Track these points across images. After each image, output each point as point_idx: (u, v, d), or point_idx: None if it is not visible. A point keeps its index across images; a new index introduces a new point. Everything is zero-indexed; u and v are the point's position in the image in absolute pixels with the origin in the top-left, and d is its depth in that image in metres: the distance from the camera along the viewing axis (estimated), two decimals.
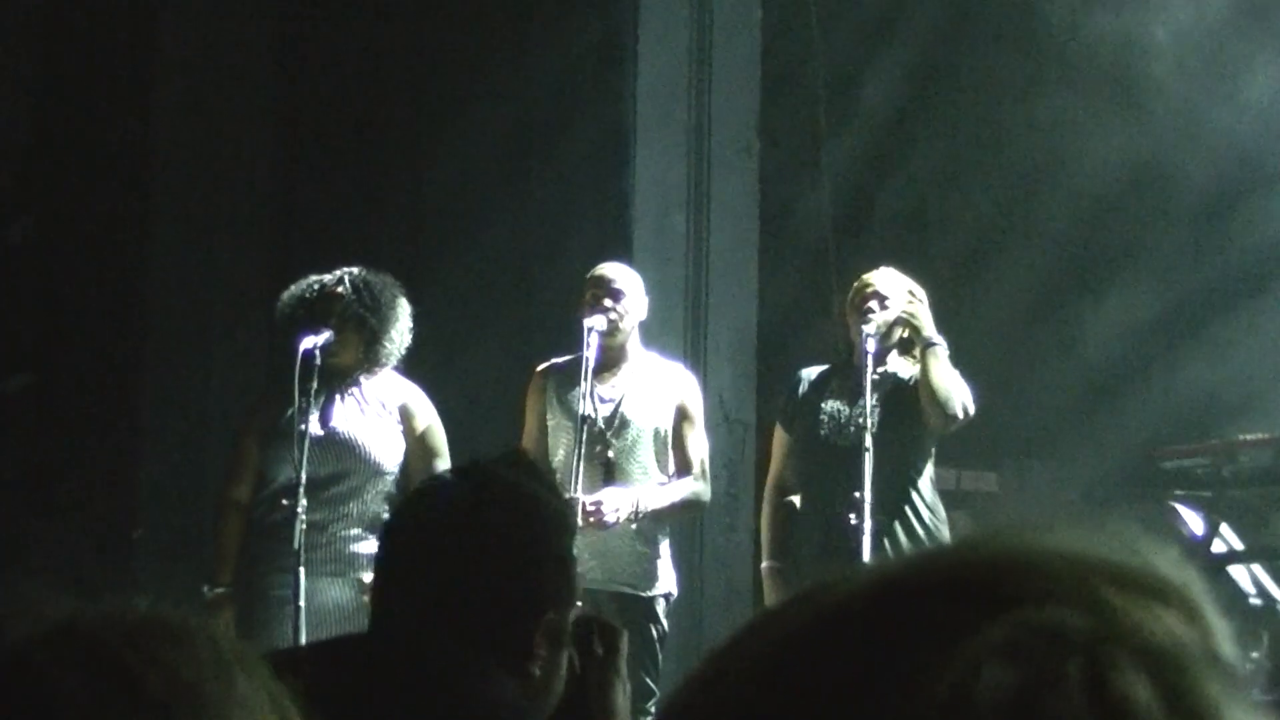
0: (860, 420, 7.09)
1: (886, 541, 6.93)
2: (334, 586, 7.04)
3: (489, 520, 2.87)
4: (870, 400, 7.13)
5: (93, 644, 1.34)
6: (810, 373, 7.57)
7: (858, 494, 6.90)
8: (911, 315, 7.19)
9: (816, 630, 0.85)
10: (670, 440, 7.24)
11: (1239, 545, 8.00)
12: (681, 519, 7.50)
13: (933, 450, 7.24)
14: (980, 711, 0.79)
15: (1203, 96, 8.53)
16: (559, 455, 7.11)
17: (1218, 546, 7.92)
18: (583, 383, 7.02)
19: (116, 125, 8.79)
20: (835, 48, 9.07)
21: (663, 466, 7.23)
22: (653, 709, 6.62)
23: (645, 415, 7.18)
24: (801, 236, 9.20)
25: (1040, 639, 0.80)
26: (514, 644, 2.78)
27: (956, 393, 7.01)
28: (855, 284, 7.43)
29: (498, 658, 2.76)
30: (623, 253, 8.12)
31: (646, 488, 7.06)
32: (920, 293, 7.34)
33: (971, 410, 7.03)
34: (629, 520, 7.01)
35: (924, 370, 7.05)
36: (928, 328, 7.15)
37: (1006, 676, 0.79)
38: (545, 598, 2.79)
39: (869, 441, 7.02)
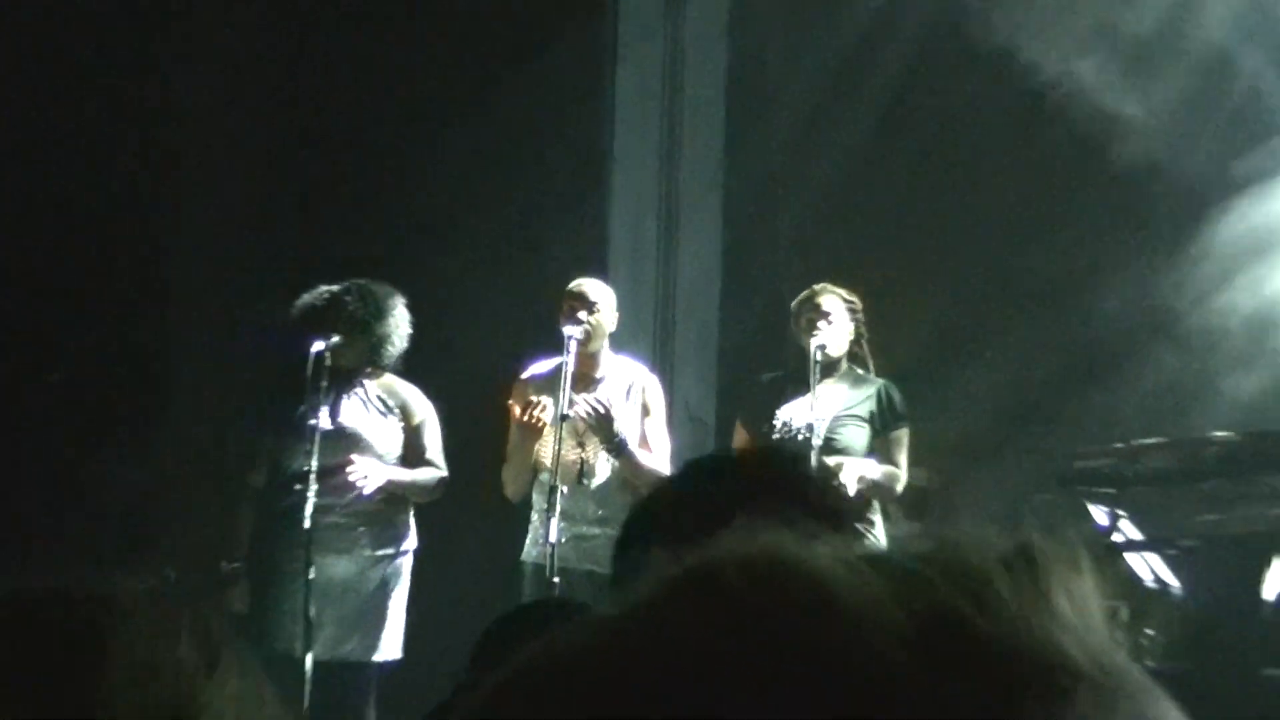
0: (811, 425, 7.61)
1: None
2: (340, 562, 7.51)
3: None
4: (817, 412, 7.58)
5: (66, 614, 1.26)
6: (768, 378, 7.99)
7: None
8: (858, 481, 7.41)
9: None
10: (638, 431, 7.63)
11: (1138, 535, 8.58)
12: (645, 486, 7.30)
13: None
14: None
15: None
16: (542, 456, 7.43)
17: (1118, 536, 8.57)
18: (563, 384, 7.48)
19: (144, 152, 9.64)
20: (796, 88, 9.83)
21: None
22: None
23: (620, 421, 7.67)
24: (762, 257, 9.88)
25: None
26: None
27: (900, 486, 7.73)
28: (799, 299, 7.80)
29: None
30: (599, 269, 8.61)
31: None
32: (858, 305, 7.80)
33: (900, 488, 7.69)
34: (610, 441, 7.46)
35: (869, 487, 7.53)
36: (857, 474, 7.51)
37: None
38: None
39: (817, 444, 7.56)
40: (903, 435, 7.74)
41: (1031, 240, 9.73)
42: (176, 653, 1.24)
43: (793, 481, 2.80)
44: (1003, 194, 9.66)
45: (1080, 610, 0.78)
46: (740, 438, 7.93)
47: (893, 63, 9.60)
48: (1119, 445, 8.73)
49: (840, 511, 2.81)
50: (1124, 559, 8.39)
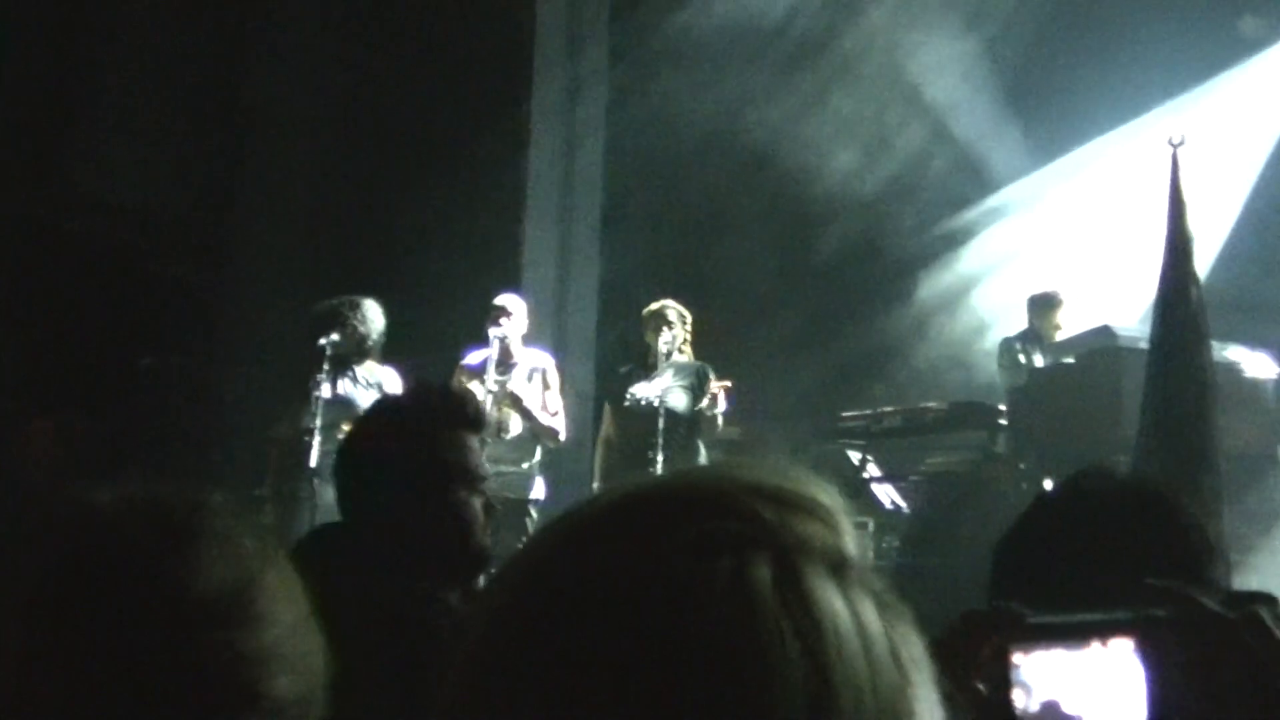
0: (656, 395, 7.90)
1: (664, 462, 7.71)
2: (334, 490, 7.61)
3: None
4: (655, 388, 7.92)
5: (162, 511, 1.25)
6: (625, 369, 8.29)
7: (653, 439, 7.71)
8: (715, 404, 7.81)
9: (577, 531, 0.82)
10: (540, 400, 7.94)
11: (879, 473, 9.01)
12: (545, 437, 7.88)
13: (695, 416, 8.13)
14: (667, 590, 0.76)
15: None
16: None
17: (867, 474, 8.92)
18: (489, 368, 7.80)
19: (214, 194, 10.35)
20: (652, 173, 10.59)
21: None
22: None
23: (524, 392, 7.94)
24: (626, 286, 10.13)
25: (710, 540, 0.77)
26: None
27: (717, 429, 8.18)
28: (648, 311, 8.20)
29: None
30: (516, 289, 8.88)
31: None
32: (687, 315, 8.16)
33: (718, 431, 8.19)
34: (513, 401, 7.68)
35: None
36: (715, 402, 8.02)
37: (685, 565, 0.76)
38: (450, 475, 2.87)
39: (661, 409, 7.84)
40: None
41: (797, 289, 10.69)
42: (244, 543, 1.25)
43: (461, 404, 2.87)
44: (788, 256, 10.61)
45: (836, 507, 0.84)
46: (607, 408, 8.23)
47: (715, 163, 10.59)
48: (868, 412, 9.39)
49: (485, 422, 2.93)
50: (871, 489, 9.07)
